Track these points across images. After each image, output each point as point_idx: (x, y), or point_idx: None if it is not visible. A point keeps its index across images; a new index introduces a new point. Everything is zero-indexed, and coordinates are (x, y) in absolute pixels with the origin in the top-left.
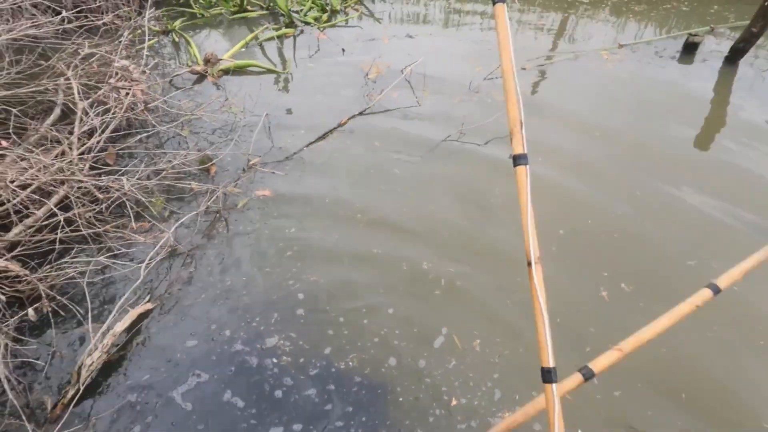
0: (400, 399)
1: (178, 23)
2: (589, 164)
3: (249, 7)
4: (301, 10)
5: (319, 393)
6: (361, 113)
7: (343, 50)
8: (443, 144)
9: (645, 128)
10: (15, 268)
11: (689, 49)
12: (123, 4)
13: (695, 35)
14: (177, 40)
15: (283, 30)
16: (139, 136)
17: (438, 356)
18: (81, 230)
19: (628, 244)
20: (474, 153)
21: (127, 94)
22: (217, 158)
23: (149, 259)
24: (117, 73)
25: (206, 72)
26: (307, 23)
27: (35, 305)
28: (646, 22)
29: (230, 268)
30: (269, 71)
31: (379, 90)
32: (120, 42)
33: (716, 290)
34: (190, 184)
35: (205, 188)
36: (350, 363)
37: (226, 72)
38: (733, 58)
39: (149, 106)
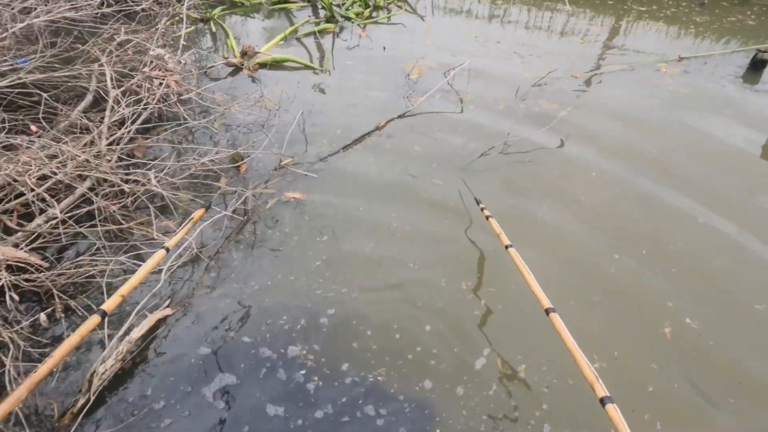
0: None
1: (217, 11)
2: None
3: None
4: (344, 4)
5: (337, 407)
6: (400, 116)
7: (384, 48)
8: (483, 157)
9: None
10: (34, 260)
11: (757, 66)
12: None
13: (765, 51)
14: (215, 29)
15: (323, 25)
16: (169, 129)
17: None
18: (104, 225)
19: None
20: (516, 164)
21: (161, 84)
22: (248, 157)
23: (171, 262)
24: (152, 62)
25: (243, 65)
26: (348, 18)
27: (48, 309)
28: (708, 35)
29: (255, 274)
30: (307, 67)
31: (420, 92)
32: (157, 29)
33: None
34: (218, 182)
35: (234, 189)
36: (379, 378)
37: (263, 65)
38: None
39: (182, 98)
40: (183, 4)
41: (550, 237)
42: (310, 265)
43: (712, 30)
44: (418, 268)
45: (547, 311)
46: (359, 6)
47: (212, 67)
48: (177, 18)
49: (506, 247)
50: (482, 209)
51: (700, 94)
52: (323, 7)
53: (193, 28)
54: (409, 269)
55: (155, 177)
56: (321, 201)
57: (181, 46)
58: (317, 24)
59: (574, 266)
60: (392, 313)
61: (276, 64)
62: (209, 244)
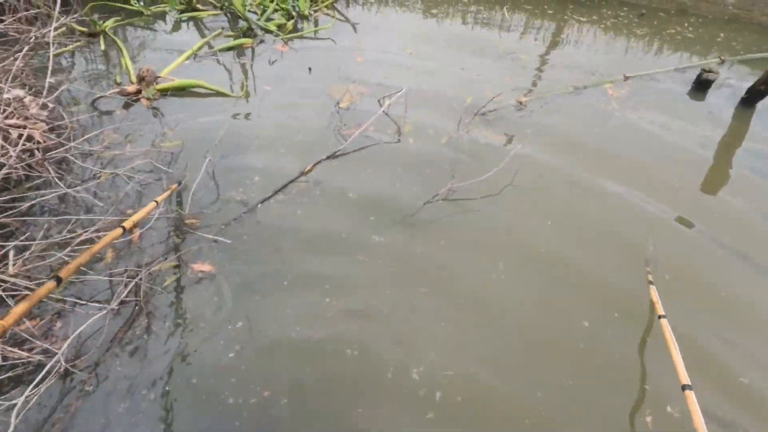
0: None
1: (110, 23)
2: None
3: (199, 6)
4: (263, 13)
5: None
6: (330, 157)
7: (310, 69)
8: (427, 206)
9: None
10: None
11: (702, 86)
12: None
13: (709, 71)
14: (106, 47)
15: (239, 40)
16: (37, 199)
17: None
18: None
19: None
20: (465, 218)
21: (21, 137)
22: (143, 227)
23: (32, 389)
24: (6, 108)
25: (140, 93)
26: (268, 31)
27: None
28: (650, 49)
29: (141, 391)
30: (219, 94)
31: (352, 123)
32: (16, 57)
33: None
34: (103, 259)
35: (122, 270)
36: None
37: (165, 92)
38: (752, 99)
39: (52, 154)
40: (50, 28)
41: (501, 301)
42: (219, 359)
43: (653, 43)
44: (359, 354)
45: (684, 387)
46: (281, 16)
47: (100, 98)
48: (47, 40)
49: (659, 317)
50: (647, 273)
51: (650, 121)
52: (239, 16)
53: (78, 43)
54: (346, 358)
55: (14, 263)
56: (235, 273)
57: (47, 82)
58: (234, 37)
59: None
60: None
61: (182, 91)
62: (87, 352)
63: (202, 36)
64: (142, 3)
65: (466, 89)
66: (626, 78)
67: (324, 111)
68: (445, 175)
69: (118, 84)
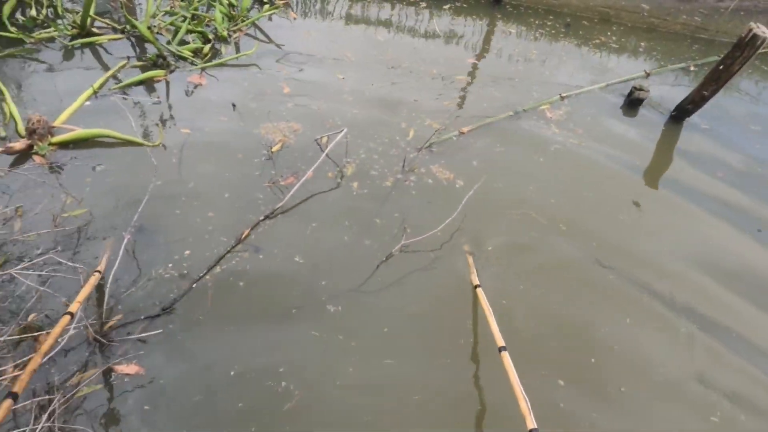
0: None
1: None
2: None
3: (95, 29)
4: (174, 38)
5: None
6: (268, 216)
7: (234, 106)
8: (383, 267)
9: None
10: None
11: (633, 104)
12: None
13: (640, 89)
14: None
15: (149, 72)
16: None
17: None
18: None
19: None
20: (427, 275)
21: None
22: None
23: None
24: None
25: (31, 149)
26: (183, 58)
27: None
28: (579, 60)
29: None
30: (129, 142)
31: (287, 168)
32: None
33: None
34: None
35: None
36: None
37: (64, 145)
38: (679, 117)
39: None
40: None
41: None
42: None
43: (581, 55)
44: None
45: (500, 349)
46: (196, 39)
47: None
48: None
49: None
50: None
51: (588, 143)
52: (147, 41)
53: None
54: None
55: None
56: (168, 373)
57: None
58: (142, 68)
59: None
60: None
61: (85, 141)
62: None
63: (103, 66)
64: (21, 29)
65: (405, 118)
66: (562, 98)
67: (254, 157)
68: (396, 223)
69: (2, 138)
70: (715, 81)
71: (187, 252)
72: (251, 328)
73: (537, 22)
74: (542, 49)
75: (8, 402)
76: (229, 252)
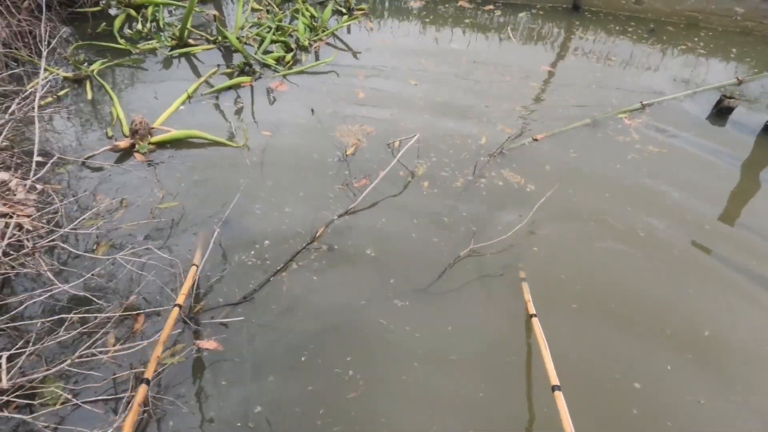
0: None
1: (96, 66)
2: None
3: (191, 41)
4: (259, 46)
5: None
6: (341, 215)
7: (313, 111)
8: (452, 269)
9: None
10: None
11: (722, 113)
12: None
13: (730, 98)
14: (93, 94)
15: (237, 78)
16: (26, 302)
17: None
18: None
19: None
20: (490, 281)
21: (7, 226)
22: (143, 310)
23: None
24: None
25: (134, 147)
26: (267, 66)
27: None
28: (661, 68)
29: None
30: (217, 143)
31: (360, 170)
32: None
33: None
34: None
35: (126, 373)
36: None
37: (161, 144)
38: None
39: (42, 244)
40: (37, 81)
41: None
42: None
43: (664, 62)
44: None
45: (554, 388)
46: (280, 48)
47: (91, 157)
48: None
49: (530, 316)
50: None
51: (670, 153)
52: (235, 50)
53: (60, 94)
54: None
55: (8, 375)
56: (244, 353)
57: (33, 161)
58: (230, 75)
59: None
60: None
61: (179, 142)
62: None
63: (196, 73)
64: (128, 41)
65: (477, 124)
66: (644, 106)
67: (329, 158)
68: (465, 226)
69: (110, 138)
70: None
71: (267, 243)
72: (319, 319)
73: (618, 28)
74: (623, 56)
75: (143, 387)
76: (304, 248)
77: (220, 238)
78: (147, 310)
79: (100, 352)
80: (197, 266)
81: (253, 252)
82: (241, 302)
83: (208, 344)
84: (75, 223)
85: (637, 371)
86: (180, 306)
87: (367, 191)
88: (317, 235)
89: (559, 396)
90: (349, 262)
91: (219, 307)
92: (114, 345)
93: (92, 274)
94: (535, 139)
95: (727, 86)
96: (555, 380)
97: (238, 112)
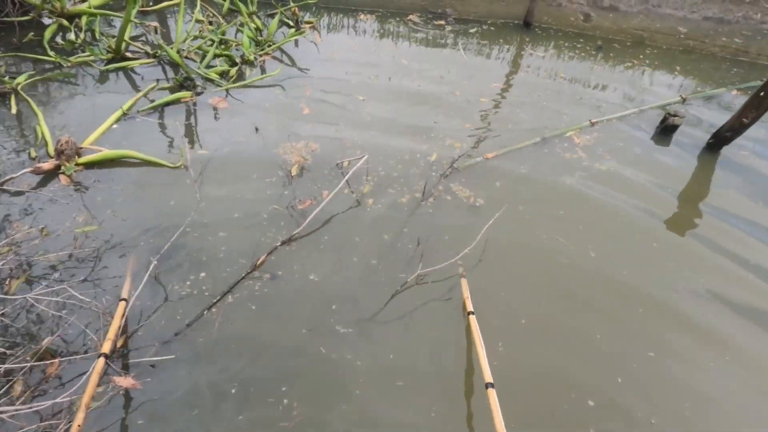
0: None
1: (22, 79)
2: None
3: (129, 54)
4: (202, 60)
5: None
6: (285, 242)
7: (257, 129)
8: (396, 298)
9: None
10: None
11: (667, 131)
12: None
13: (674, 115)
14: (19, 111)
15: (176, 94)
16: None
17: None
18: None
19: None
20: (434, 307)
21: None
22: (59, 356)
23: None
24: None
25: (59, 169)
26: (210, 80)
27: None
28: (610, 83)
29: None
30: (151, 163)
31: (305, 190)
32: None
33: None
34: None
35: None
36: None
37: (90, 165)
38: (716, 145)
39: None
40: None
41: None
42: None
43: (613, 77)
44: None
45: (487, 385)
46: (224, 62)
47: (10, 180)
48: None
49: (468, 313)
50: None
51: (616, 170)
52: (176, 64)
53: None
54: None
55: None
56: (168, 387)
57: None
58: (170, 90)
59: None
60: None
61: (110, 162)
62: None
63: (134, 88)
64: (60, 53)
65: (426, 140)
66: (592, 123)
67: (272, 179)
68: (412, 246)
69: (33, 159)
70: (756, 107)
71: (202, 276)
72: (261, 360)
73: (567, 44)
74: (572, 73)
75: None
76: (243, 278)
77: (153, 269)
78: (65, 357)
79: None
80: (126, 301)
81: (187, 283)
82: (171, 341)
83: (124, 381)
84: None
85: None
86: (107, 356)
87: (312, 215)
88: (258, 263)
89: (492, 393)
90: (290, 294)
91: (146, 346)
92: (22, 394)
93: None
94: (486, 158)
95: (672, 104)
96: (489, 378)
97: (177, 129)
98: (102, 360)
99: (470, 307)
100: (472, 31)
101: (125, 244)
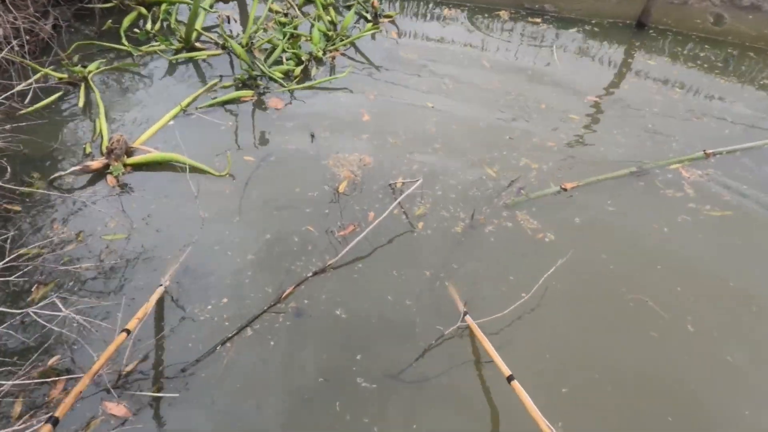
0: None
1: (93, 68)
2: None
3: (198, 44)
4: (268, 58)
5: None
6: (317, 273)
7: (312, 136)
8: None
9: None
10: None
11: None
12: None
13: None
14: (86, 103)
15: (236, 93)
16: None
17: None
18: None
19: None
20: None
21: None
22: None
23: None
24: None
25: (107, 168)
26: (273, 79)
27: None
28: (737, 104)
29: None
30: (198, 170)
31: (351, 212)
32: None
33: None
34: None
35: None
36: None
37: (138, 166)
38: None
39: None
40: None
41: None
42: None
43: (744, 99)
44: None
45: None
46: (290, 59)
47: (59, 177)
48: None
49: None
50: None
51: (734, 220)
52: (241, 59)
53: (51, 100)
54: None
55: None
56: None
57: None
58: (237, 86)
59: None
60: None
61: (157, 164)
62: None
63: (201, 80)
64: (133, 43)
65: (497, 159)
66: (708, 155)
67: (319, 197)
68: (464, 285)
69: (87, 155)
70: None
71: (224, 302)
72: (267, 393)
73: (687, 51)
74: (689, 88)
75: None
76: (265, 311)
77: (168, 293)
78: (66, 377)
79: None
80: (128, 331)
81: (206, 308)
82: (176, 377)
83: (116, 410)
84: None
85: None
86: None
87: (352, 245)
88: (283, 295)
89: (516, 385)
90: (314, 334)
91: (151, 377)
92: (22, 415)
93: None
94: (564, 188)
95: None
96: (507, 371)
97: (229, 132)
98: (84, 384)
99: (463, 308)
100: (571, 31)
101: (153, 258)
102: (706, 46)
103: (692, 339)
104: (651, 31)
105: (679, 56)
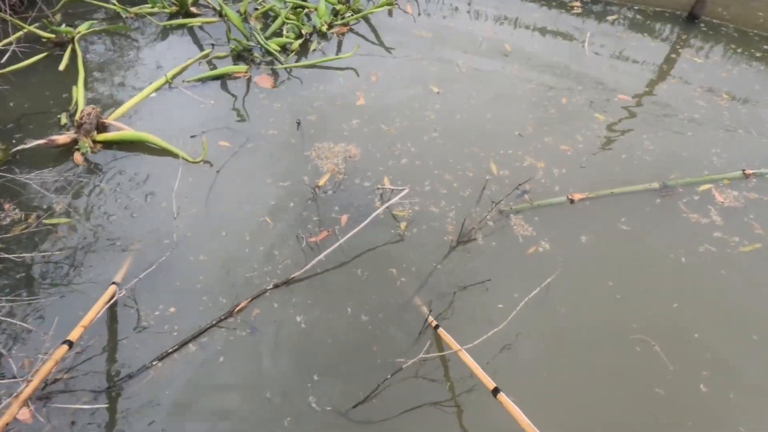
0: None
1: (83, 28)
2: None
3: (194, 9)
4: (265, 30)
5: None
6: (278, 285)
7: (298, 123)
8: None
9: None
10: None
11: None
12: None
13: None
14: (68, 65)
15: (228, 67)
16: None
17: None
18: None
19: None
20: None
21: None
22: None
23: None
24: None
25: (76, 144)
26: (269, 53)
27: None
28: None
29: None
30: (172, 154)
31: (328, 213)
32: None
33: None
34: None
35: None
36: None
37: (108, 144)
38: None
39: None
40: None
41: None
42: None
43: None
44: None
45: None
46: (290, 34)
47: (21, 149)
48: None
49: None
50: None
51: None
52: (238, 30)
53: (33, 60)
54: None
55: None
56: None
57: None
58: (233, 58)
59: None
60: None
61: (129, 143)
62: None
63: (194, 49)
64: (123, 3)
65: (501, 157)
66: (747, 174)
67: (296, 191)
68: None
69: (63, 126)
70: None
71: (172, 309)
72: (209, 414)
73: (742, 50)
74: (740, 94)
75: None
76: (214, 325)
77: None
78: None
79: None
80: (70, 344)
81: (155, 317)
82: (111, 388)
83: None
84: None
85: None
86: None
87: (323, 255)
88: (237, 308)
89: (503, 397)
90: (266, 349)
91: (79, 391)
92: None
93: None
94: (572, 200)
95: None
96: (491, 383)
97: (211, 111)
98: (20, 411)
99: (434, 322)
100: (610, 18)
101: (105, 250)
102: (765, 46)
103: (704, 402)
104: (702, 25)
105: (732, 54)
